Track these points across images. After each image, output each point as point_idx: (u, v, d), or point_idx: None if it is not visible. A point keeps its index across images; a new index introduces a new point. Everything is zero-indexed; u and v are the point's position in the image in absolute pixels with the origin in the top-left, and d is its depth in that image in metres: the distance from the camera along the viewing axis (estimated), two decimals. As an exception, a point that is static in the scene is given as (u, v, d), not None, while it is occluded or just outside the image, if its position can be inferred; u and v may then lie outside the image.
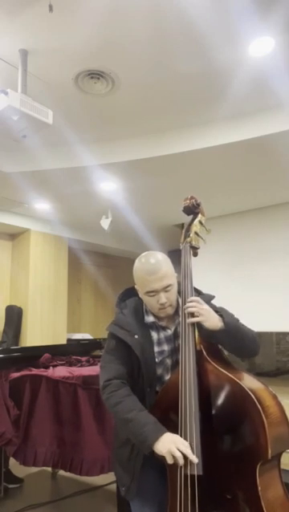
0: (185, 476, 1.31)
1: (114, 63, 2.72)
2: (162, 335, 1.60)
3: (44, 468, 3.39)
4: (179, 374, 1.42)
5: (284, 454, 1.35)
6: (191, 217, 1.73)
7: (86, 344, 4.53)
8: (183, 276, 1.57)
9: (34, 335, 5.62)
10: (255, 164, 3.84)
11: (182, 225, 5.41)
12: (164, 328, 1.60)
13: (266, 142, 3.34)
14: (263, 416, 1.23)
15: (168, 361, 1.58)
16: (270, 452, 1.21)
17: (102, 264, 7.31)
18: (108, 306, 7.17)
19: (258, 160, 3.75)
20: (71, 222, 5.98)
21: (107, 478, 2.96)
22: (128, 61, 2.69)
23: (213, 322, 1.44)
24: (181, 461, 1.26)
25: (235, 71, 2.76)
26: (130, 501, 1.57)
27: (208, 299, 1.66)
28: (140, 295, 1.59)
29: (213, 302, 1.70)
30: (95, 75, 2.82)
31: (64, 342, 5.87)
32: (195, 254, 1.66)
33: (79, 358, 3.13)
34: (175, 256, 1.66)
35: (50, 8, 2.16)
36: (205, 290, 1.72)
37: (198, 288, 1.71)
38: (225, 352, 1.57)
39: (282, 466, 1.37)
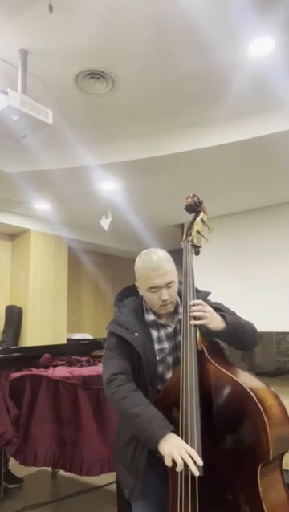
0: (186, 477, 1.31)
1: (114, 63, 2.72)
2: (162, 332, 1.60)
3: (44, 468, 3.39)
4: (180, 374, 1.42)
5: (286, 455, 1.35)
6: (193, 215, 1.71)
7: (86, 344, 4.53)
8: (185, 274, 1.57)
9: (34, 335, 5.62)
10: (255, 164, 3.84)
11: (182, 225, 5.41)
12: (164, 326, 1.60)
13: (266, 142, 3.34)
14: (265, 416, 1.23)
15: (169, 359, 1.58)
16: (271, 453, 1.20)
17: (102, 264, 7.30)
18: (108, 306, 7.17)
19: (258, 160, 3.75)
20: (71, 222, 5.98)
21: (107, 478, 2.96)
22: (128, 61, 2.69)
23: (217, 323, 1.45)
24: (180, 468, 1.25)
25: (235, 71, 2.76)
26: (132, 502, 1.56)
27: (204, 296, 1.67)
28: (142, 292, 1.59)
29: (209, 298, 1.70)
30: (95, 75, 2.82)
31: (64, 342, 5.87)
32: (197, 253, 1.66)
33: (79, 358, 3.13)
34: (175, 255, 1.65)
35: (50, 8, 2.16)
36: (204, 289, 1.72)
37: (196, 286, 1.71)
38: (226, 349, 1.57)
39: (285, 467, 1.37)
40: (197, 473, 1.25)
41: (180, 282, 1.60)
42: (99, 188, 4.45)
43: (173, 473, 1.38)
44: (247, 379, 1.35)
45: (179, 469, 1.26)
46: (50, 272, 5.94)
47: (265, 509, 1.20)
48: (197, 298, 1.61)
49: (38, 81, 2.85)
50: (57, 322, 5.96)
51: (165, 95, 3.08)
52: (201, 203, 1.71)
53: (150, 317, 1.60)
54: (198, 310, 1.44)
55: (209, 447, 1.32)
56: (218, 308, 1.63)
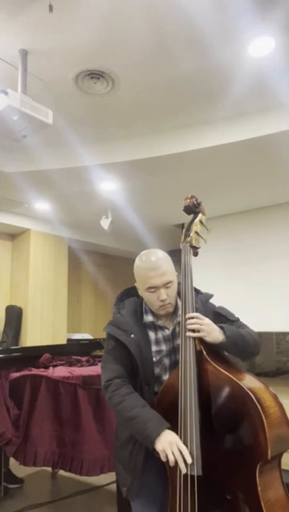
0: (185, 476, 1.31)
1: (114, 63, 2.72)
2: (160, 334, 1.60)
3: (44, 468, 3.39)
4: (179, 374, 1.42)
5: (285, 454, 1.35)
6: (191, 216, 1.72)
7: (86, 344, 4.54)
8: (183, 276, 1.57)
9: (34, 335, 5.62)
10: (255, 164, 3.84)
11: (182, 225, 5.41)
12: (162, 328, 1.60)
13: (266, 142, 3.34)
14: (263, 416, 1.23)
15: (166, 361, 1.58)
16: (269, 452, 1.21)
17: (102, 264, 7.30)
18: (108, 306, 7.17)
19: (258, 161, 3.75)
20: (71, 222, 5.98)
21: (107, 478, 2.96)
22: (128, 61, 2.69)
23: (214, 335, 1.44)
24: (172, 464, 1.28)
25: (235, 71, 2.76)
26: (131, 502, 1.57)
27: (206, 298, 1.67)
28: (141, 293, 1.60)
29: (211, 300, 1.70)
30: (95, 75, 2.82)
31: (64, 342, 5.88)
32: (195, 254, 1.66)
33: (79, 358, 3.14)
34: (175, 256, 1.66)
35: (50, 8, 2.16)
36: (206, 290, 1.72)
37: (197, 287, 1.72)
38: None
39: (284, 467, 1.37)
40: (184, 470, 1.28)
41: (179, 284, 1.60)
42: (99, 188, 4.45)
43: (173, 472, 1.38)
44: (246, 379, 1.35)
45: (171, 464, 1.29)
46: (50, 272, 5.94)
47: (263, 508, 1.20)
48: (199, 301, 1.61)
49: (38, 81, 2.85)
50: (57, 322, 5.96)
51: (165, 95, 3.08)
52: (199, 204, 1.71)
53: (148, 318, 1.60)
54: (194, 323, 1.44)
55: (207, 446, 1.32)
56: (220, 314, 1.63)
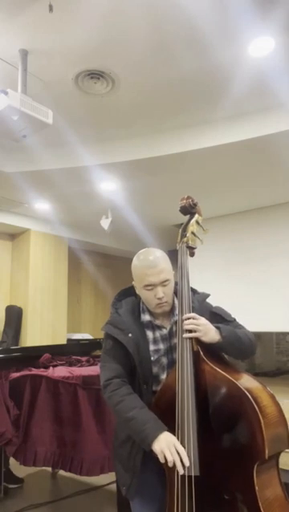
0: (182, 477, 1.31)
1: (114, 63, 2.72)
2: (158, 333, 1.60)
3: (44, 468, 3.39)
4: (176, 374, 1.42)
5: (283, 454, 1.35)
6: (188, 216, 1.73)
7: (86, 344, 4.54)
8: (180, 276, 1.57)
9: (34, 335, 5.62)
10: (255, 164, 3.84)
11: (181, 225, 5.41)
12: (159, 327, 1.61)
13: (266, 142, 3.34)
14: (260, 415, 1.23)
15: (164, 360, 1.58)
16: (267, 452, 1.21)
17: (102, 264, 7.30)
18: (108, 306, 7.08)
19: (258, 160, 3.75)
20: (71, 222, 5.98)
21: (107, 478, 2.96)
22: (128, 61, 2.69)
23: (211, 336, 1.45)
24: (171, 464, 1.28)
25: (235, 71, 2.76)
26: (130, 501, 1.58)
27: (203, 298, 1.67)
28: (138, 291, 1.60)
29: (208, 300, 1.70)
30: (95, 75, 2.82)
31: (64, 342, 5.88)
32: (192, 254, 1.66)
33: (79, 358, 3.14)
34: (174, 256, 1.66)
35: (50, 8, 2.16)
36: (205, 290, 1.72)
37: (195, 287, 1.72)
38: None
39: (282, 466, 1.37)
40: (182, 472, 1.28)
41: (176, 283, 1.61)
42: (99, 188, 4.45)
43: (170, 473, 1.39)
44: (243, 379, 1.35)
45: (169, 465, 1.29)
46: (50, 272, 5.94)
47: (261, 507, 1.21)
48: (195, 300, 1.62)
49: (38, 81, 2.85)
50: (57, 322, 5.96)
51: (165, 95, 3.08)
52: (195, 205, 1.72)
53: (146, 317, 1.61)
54: (190, 324, 1.45)
55: (205, 447, 1.32)
56: (217, 314, 1.63)
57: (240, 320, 1.67)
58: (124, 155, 3.78)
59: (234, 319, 1.65)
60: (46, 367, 2.83)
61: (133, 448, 1.50)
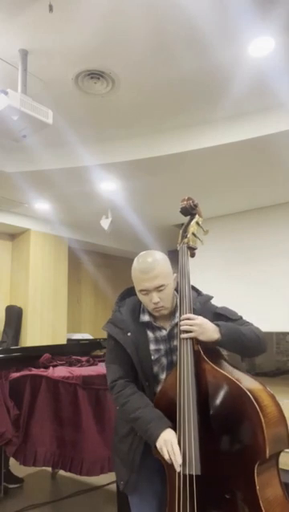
0: (184, 476, 1.32)
1: (114, 63, 2.72)
2: (157, 334, 1.60)
3: (44, 468, 3.39)
4: (177, 374, 1.42)
5: (283, 454, 1.35)
6: (188, 217, 1.73)
7: (86, 344, 4.53)
8: (180, 277, 1.57)
9: (34, 335, 5.62)
10: (255, 164, 3.84)
11: (182, 225, 5.41)
12: (159, 328, 1.61)
13: (266, 142, 3.34)
14: (261, 415, 1.23)
15: (164, 360, 1.59)
16: (267, 451, 1.21)
17: (102, 264, 7.30)
18: (108, 306, 7.16)
19: (258, 160, 3.75)
20: (71, 222, 5.98)
21: (107, 478, 2.96)
22: (128, 61, 2.69)
23: (208, 334, 1.44)
24: (169, 462, 1.31)
25: (235, 71, 2.76)
26: (129, 496, 1.60)
27: (205, 300, 1.67)
28: (136, 293, 1.60)
29: (213, 302, 1.70)
30: (95, 75, 2.82)
31: (64, 342, 5.88)
32: (192, 255, 1.67)
33: (79, 358, 3.13)
34: (175, 256, 1.66)
35: (51, 8, 2.16)
36: (205, 290, 1.72)
37: (199, 288, 1.72)
38: (225, 352, 1.57)
39: (281, 466, 1.37)
40: (178, 469, 1.29)
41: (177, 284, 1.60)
42: (99, 188, 4.45)
43: (171, 472, 1.39)
44: (244, 379, 1.36)
45: (168, 462, 1.32)
46: (50, 272, 5.94)
47: (262, 507, 1.21)
48: (198, 302, 1.62)
49: (38, 81, 2.85)
50: (57, 322, 5.96)
51: (165, 95, 3.08)
52: (196, 206, 1.72)
53: (145, 318, 1.61)
54: (184, 324, 1.45)
55: (206, 446, 1.33)
56: (221, 314, 1.62)
57: (243, 317, 1.66)
58: (124, 155, 3.78)
59: (240, 317, 1.64)
60: (46, 367, 2.83)
61: (134, 442, 1.52)
